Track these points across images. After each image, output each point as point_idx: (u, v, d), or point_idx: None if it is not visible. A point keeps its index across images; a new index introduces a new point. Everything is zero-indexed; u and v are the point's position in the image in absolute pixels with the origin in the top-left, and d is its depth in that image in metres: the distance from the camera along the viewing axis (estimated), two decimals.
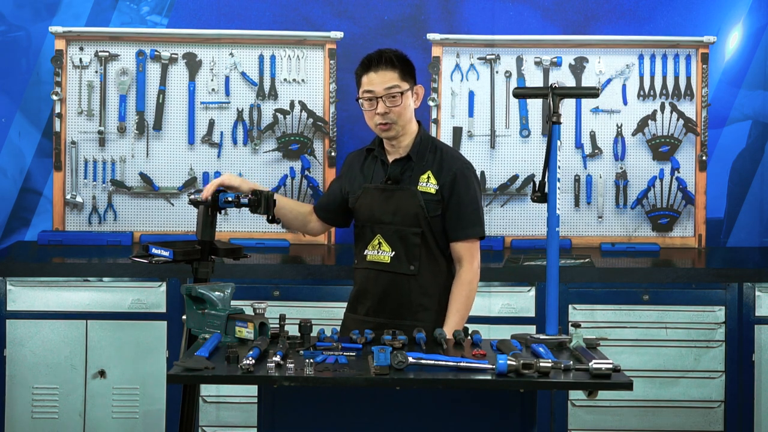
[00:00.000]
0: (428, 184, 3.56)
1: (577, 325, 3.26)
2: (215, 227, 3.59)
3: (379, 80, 3.49)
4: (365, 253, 3.62)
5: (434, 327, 3.43)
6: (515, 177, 5.38)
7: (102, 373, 4.86)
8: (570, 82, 5.36)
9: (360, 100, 3.54)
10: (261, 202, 3.55)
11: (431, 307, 3.59)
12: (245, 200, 3.54)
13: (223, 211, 3.62)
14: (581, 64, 5.37)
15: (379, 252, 3.59)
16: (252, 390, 4.01)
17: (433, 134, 5.33)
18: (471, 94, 5.39)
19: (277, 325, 3.30)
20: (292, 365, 2.91)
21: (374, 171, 3.64)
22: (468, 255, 3.59)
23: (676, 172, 5.37)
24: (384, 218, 3.56)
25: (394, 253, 3.58)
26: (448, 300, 3.59)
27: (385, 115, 3.50)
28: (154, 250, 3.59)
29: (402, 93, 3.50)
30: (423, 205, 3.54)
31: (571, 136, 5.38)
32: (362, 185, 3.65)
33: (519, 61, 5.38)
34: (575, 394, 4.82)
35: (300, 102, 5.39)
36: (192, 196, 3.61)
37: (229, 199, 3.55)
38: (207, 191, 3.55)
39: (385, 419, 3.08)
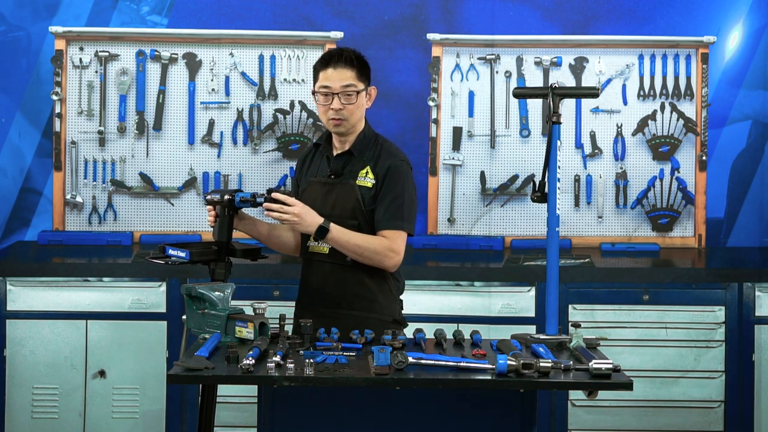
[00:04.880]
0: (366, 178, 3.61)
1: (577, 325, 3.27)
2: (232, 228, 3.58)
3: (337, 77, 3.56)
4: (308, 243, 3.66)
5: (372, 318, 3.49)
6: (515, 177, 5.38)
7: (102, 373, 4.86)
8: (570, 82, 5.36)
9: (316, 94, 3.59)
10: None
11: (368, 297, 3.60)
12: (261, 199, 3.54)
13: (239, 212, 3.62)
14: (581, 64, 5.37)
15: (319, 243, 3.61)
16: (252, 390, 4.01)
17: (433, 134, 5.34)
18: (471, 94, 5.39)
19: (277, 325, 3.30)
20: (292, 365, 2.91)
21: (320, 166, 3.71)
22: (392, 244, 3.58)
23: (676, 172, 5.36)
24: (324, 211, 3.60)
25: None
26: (385, 291, 3.60)
27: (338, 111, 3.56)
28: (171, 251, 3.57)
29: (357, 92, 3.57)
30: (360, 199, 3.59)
31: (571, 136, 5.38)
32: (308, 179, 3.71)
33: (519, 61, 5.38)
34: (575, 394, 4.82)
35: (300, 102, 5.38)
36: (209, 196, 3.60)
37: (246, 198, 3.55)
38: None
39: (385, 419, 3.08)
